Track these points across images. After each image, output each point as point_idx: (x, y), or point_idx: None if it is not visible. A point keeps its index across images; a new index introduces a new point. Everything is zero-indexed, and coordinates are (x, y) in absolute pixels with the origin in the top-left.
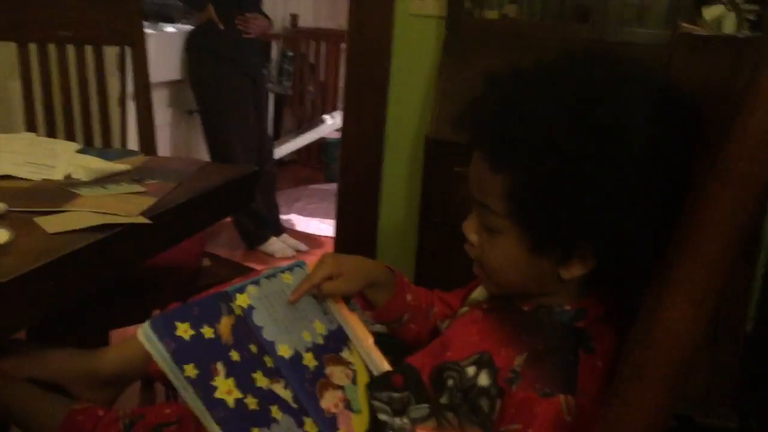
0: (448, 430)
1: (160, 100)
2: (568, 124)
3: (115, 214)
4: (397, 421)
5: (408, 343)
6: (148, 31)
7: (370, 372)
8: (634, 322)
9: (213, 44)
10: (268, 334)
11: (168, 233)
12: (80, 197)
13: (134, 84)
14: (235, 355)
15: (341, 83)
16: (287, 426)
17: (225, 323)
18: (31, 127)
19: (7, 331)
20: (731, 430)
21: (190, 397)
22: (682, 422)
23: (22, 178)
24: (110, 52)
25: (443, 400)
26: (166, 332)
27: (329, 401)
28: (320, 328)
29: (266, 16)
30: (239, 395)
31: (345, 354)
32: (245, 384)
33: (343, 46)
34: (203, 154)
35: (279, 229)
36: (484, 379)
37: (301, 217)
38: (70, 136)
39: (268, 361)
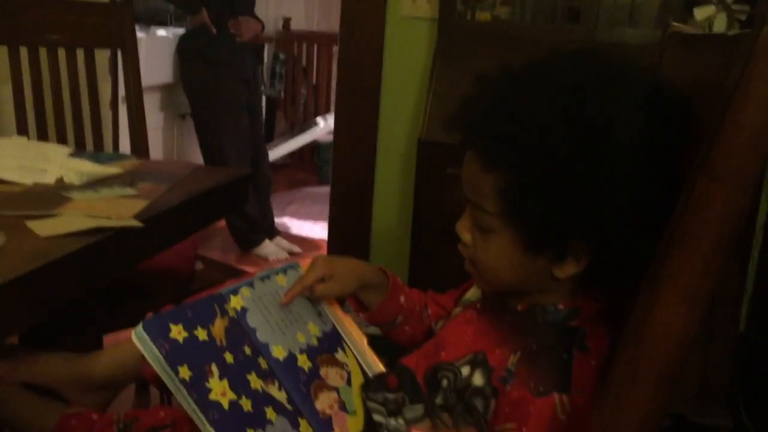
0: (443, 431)
1: (152, 104)
2: (559, 122)
3: (108, 218)
4: (392, 422)
5: (402, 344)
6: (140, 34)
7: (364, 373)
8: (627, 320)
9: (205, 48)
10: (262, 336)
11: (161, 236)
12: (72, 201)
13: (126, 87)
14: (229, 357)
15: (334, 86)
16: (282, 427)
17: (219, 325)
18: (22, 131)
19: None
20: (725, 428)
21: (184, 399)
22: (675, 421)
23: (13, 183)
24: (102, 56)
25: (438, 400)
26: (159, 334)
27: (324, 402)
28: (314, 329)
29: (258, 20)
30: (233, 397)
31: (339, 355)
32: (240, 386)
33: (336, 48)
34: (195, 158)
35: (273, 232)
36: (478, 379)
37: (294, 220)
38: (61, 140)
39: (263, 363)
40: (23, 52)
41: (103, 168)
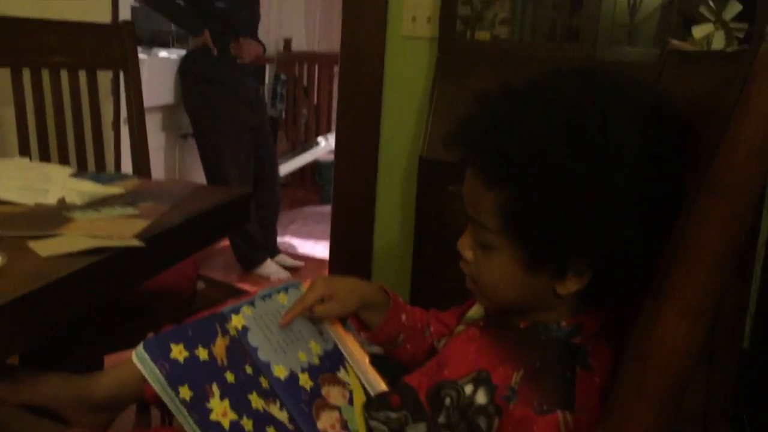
0: None
1: (153, 124)
2: (559, 140)
3: (109, 238)
4: None
5: (404, 363)
6: (142, 56)
7: (366, 392)
8: (630, 336)
9: (207, 69)
10: (263, 355)
11: (162, 256)
12: (74, 221)
13: (128, 108)
14: (230, 377)
15: (334, 105)
16: None
17: (220, 344)
18: (24, 152)
19: None
20: None
21: (185, 419)
22: None
23: (15, 203)
24: (104, 77)
25: (441, 419)
26: (160, 354)
27: (326, 422)
28: (316, 348)
29: (260, 42)
30: (234, 417)
31: (341, 374)
32: (241, 406)
33: (336, 68)
34: (197, 178)
35: (275, 250)
36: (481, 397)
37: (295, 239)
38: (63, 161)
39: (264, 383)
40: (26, 73)
41: (105, 188)
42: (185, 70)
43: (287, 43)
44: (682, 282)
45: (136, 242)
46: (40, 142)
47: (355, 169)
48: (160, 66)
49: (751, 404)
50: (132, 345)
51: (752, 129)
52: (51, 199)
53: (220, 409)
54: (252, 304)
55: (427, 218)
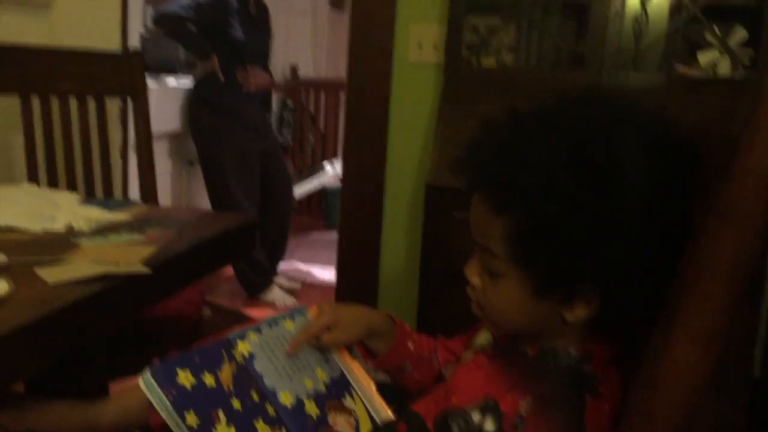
0: None
1: (161, 151)
2: (565, 166)
3: (116, 264)
4: None
5: (411, 390)
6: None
7: (373, 419)
8: (640, 364)
9: (213, 95)
10: (269, 382)
11: (168, 282)
12: (81, 247)
13: (136, 135)
14: (236, 403)
15: (341, 132)
16: None
17: (226, 371)
18: (33, 178)
19: (5, 384)
20: None
21: None
22: None
23: (22, 230)
24: (113, 104)
25: None
26: (167, 380)
27: None
28: (322, 375)
29: (269, 73)
30: None
31: (347, 401)
32: None
33: (342, 95)
34: (203, 204)
35: (274, 271)
36: (489, 425)
37: (302, 265)
38: (71, 187)
39: (270, 409)
40: (35, 101)
41: (112, 215)
42: (192, 96)
43: (294, 69)
44: (691, 308)
45: (142, 269)
46: (48, 169)
47: (362, 195)
48: (167, 93)
49: None
50: (137, 372)
51: (760, 156)
52: (58, 226)
53: None
54: (258, 330)
55: (433, 244)
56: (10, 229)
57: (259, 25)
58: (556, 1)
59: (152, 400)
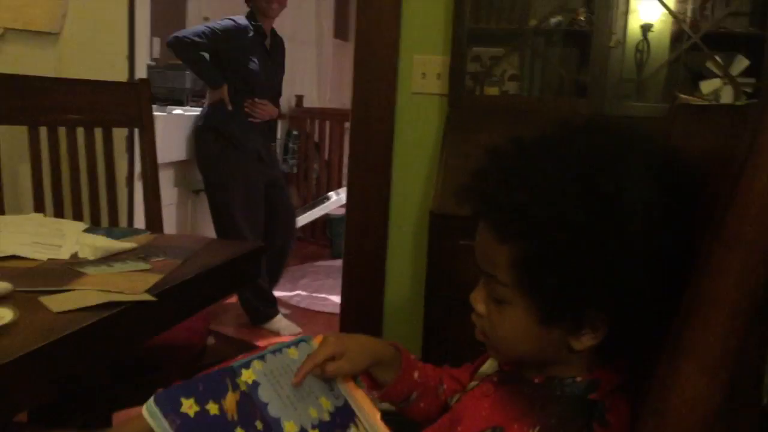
0: None
1: (166, 180)
2: (570, 193)
3: (120, 292)
4: None
5: (417, 421)
6: (156, 113)
7: None
8: (647, 392)
9: (220, 124)
10: (273, 411)
11: (173, 310)
12: (86, 276)
13: (142, 164)
14: None
15: (345, 161)
16: None
17: (230, 399)
18: (39, 208)
19: (8, 413)
20: None
21: None
22: None
23: (28, 258)
24: (119, 133)
25: None
26: (170, 408)
27: None
28: (326, 404)
29: (277, 106)
30: None
31: (352, 431)
32: None
33: (347, 125)
34: (208, 233)
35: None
36: None
37: (306, 294)
38: (77, 216)
39: None
40: (42, 131)
41: (117, 243)
42: (199, 125)
43: (299, 99)
44: (698, 336)
45: (147, 297)
46: (54, 198)
47: (366, 224)
48: (174, 122)
49: None
50: (141, 401)
51: (764, 183)
52: (64, 255)
53: None
54: (262, 358)
55: (438, 272)
56: (16, 258)
57: (274, 58)
58: (558, 31)
59: (155, 428)
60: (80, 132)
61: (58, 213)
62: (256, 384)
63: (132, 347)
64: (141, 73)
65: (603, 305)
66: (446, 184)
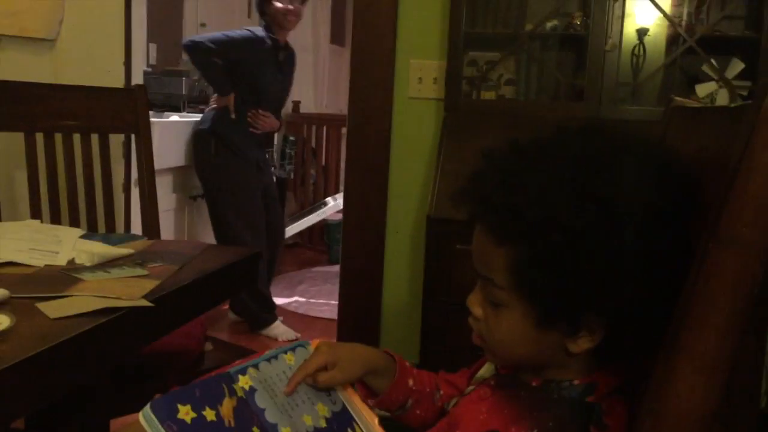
0: None
1: (164, 186)
2: (567, 196)
3: (117, 298)
4: None
5: (414, 427)
6: (153, 119)
7: None
8: (645, 393)
9: (220, 130)
10: (270, 417)
11: (171, 316)
12: (83, 282)
13: (139, 170)
14: None
15: (342, 166)
16: None
17: (227, 405)
18: (35, 214)
19: (5, 420)
20: None
21: None
22: None
23: (25, 264)
24: (116, 139)
25: None
26: (167, 415)
27: None
28: (323, 410)
29: (279, 119)
30: None
31: None
32: None
33: (344, 130)
34: (206, 239)
35: None
36: None
37: (304, 299)
38: (74, 222)
39: None
40: (39, 137)
41: (114, 249)
42: (200, 129)
43: (296, 105)
44: (694, 338)
45: (144, 302)
46: (51, 205)
47: (364, 229)
48: (171, 128)
49: None
50: (138, 408)
51: (759, 183)
52: (61, 261)
53: None
54: (258, 364)
55: (435, 277)
56: (13, 264)
57: (284, 71)
58: (554, 35)
59: None
60: (77, 138)
61: (55, 219)
62: (252, 390)
63: (129, 353)
64: (137, 79)
65: (600, 308)
66: (443, 189)
